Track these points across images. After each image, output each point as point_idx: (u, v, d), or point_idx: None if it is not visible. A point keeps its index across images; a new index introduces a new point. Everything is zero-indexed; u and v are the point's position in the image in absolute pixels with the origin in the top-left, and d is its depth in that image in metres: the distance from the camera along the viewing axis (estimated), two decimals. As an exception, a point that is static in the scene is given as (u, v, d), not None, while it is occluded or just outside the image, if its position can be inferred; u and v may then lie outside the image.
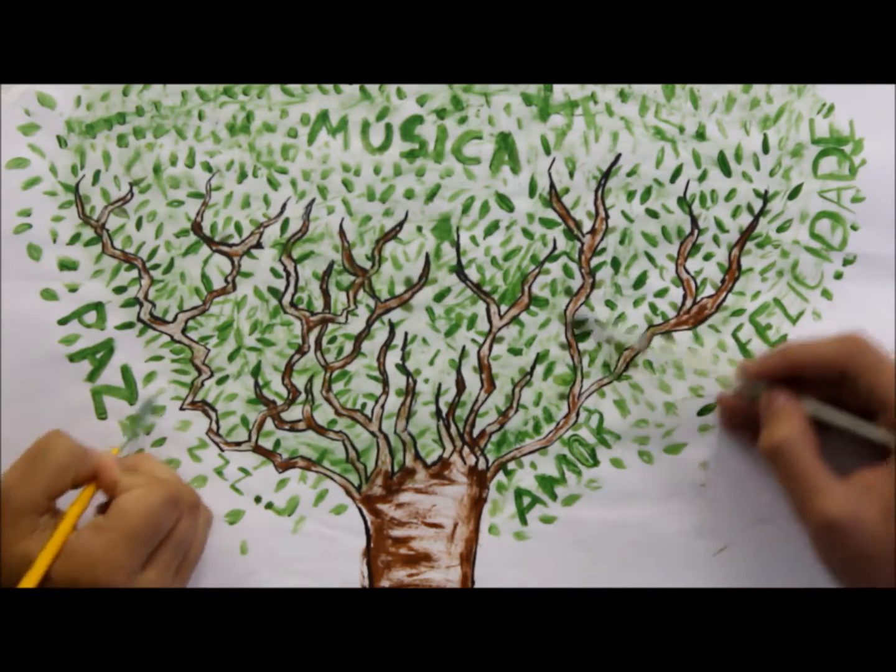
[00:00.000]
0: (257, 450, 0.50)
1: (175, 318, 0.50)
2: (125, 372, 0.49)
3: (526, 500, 0.49)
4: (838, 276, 0.49)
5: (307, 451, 0.49)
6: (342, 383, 0.49)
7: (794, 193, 0.49)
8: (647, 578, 0.48)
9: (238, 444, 0.50)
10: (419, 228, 0.49)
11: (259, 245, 0.49)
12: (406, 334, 0.49)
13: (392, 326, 0.49)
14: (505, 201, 0.49)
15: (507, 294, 0.49)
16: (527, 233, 0.49)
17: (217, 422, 0.49)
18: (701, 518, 0.49)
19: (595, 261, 0.49)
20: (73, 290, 0.49)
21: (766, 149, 0.49)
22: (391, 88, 0.49)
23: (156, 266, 0.49)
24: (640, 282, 0.49)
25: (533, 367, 0.49)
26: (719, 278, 0.49)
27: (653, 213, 0.49)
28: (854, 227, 0.48)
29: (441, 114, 0.49)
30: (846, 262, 0.49)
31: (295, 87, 0.49)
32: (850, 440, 0.44)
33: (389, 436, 0.49)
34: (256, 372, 0.49)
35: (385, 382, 0.49)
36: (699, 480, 0.49)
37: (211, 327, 0.50)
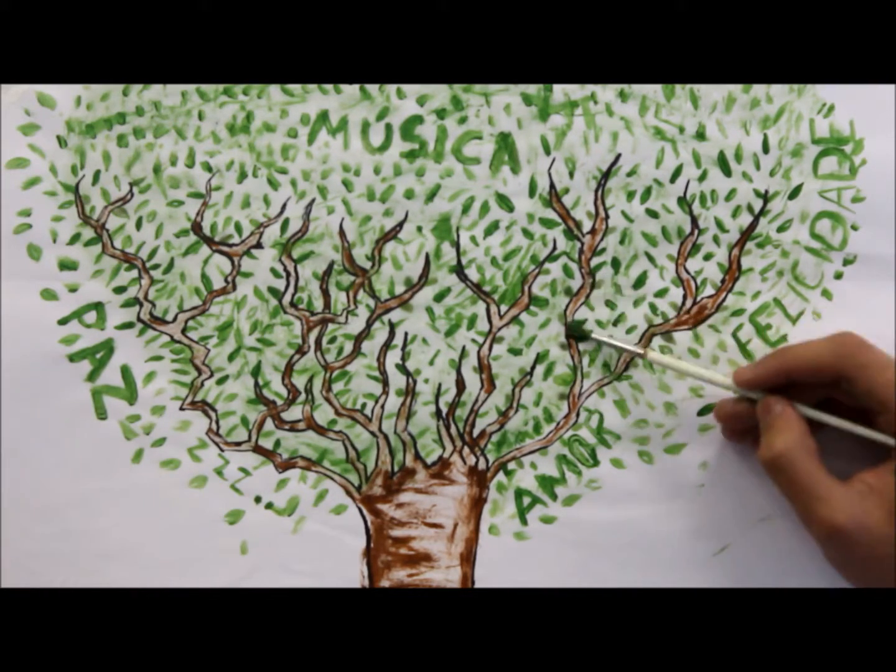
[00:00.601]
0: (257, 450, 0.50)
1: (175, 318, 0.50)
2: (125, 372, 0.49)
3: (526, 500, 0.49)
4: (838, 276, 0.49)
5: (307, 451, 0.49)
6: (342, 383, 0.49)
7: (794, 193, 0.49)
8: (647, 578, 0.48)
9: (238, 444, 0.50)
10: (419, 228, 0.49)
11: (259, 245, 0.49)
12: (406, 334, 0.49)
13: (392, 326, 0.49)
14: (505, 201, 0.49)
15: (507, 294, 0.49)
16: (527, 233, 0.49)
17: (217, 422, 0.49)
18: (701, 518, 0.49)
19: (595, 261, 0.49)
20: (73, 290, 0.49)
21: (766, 149, 0.49)
22: (391, 88, 0.49)
23: (156, 266, 0.50)
24: (640, 282, 0.49)
25: (533, 367, 0.49)
26: (719, 278, 0.49)
27: (653, 213, 0.49)
28: (854, 227, 0.48)
29: (441, 114, 0.49)
30: (846, 262, 0.49)
31: (295, 87, 0.49)
32: (849, 440, 0.44)
33: (389, 436, 0.49)
34: (256, 372, 0.49)
35: (385, 382, 0.49)
36: (699, 480, 0.49)
37: (211, 327, 0.50)
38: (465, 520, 0.49)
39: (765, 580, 0.48)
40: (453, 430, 0.49)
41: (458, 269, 0.49)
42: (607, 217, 0.49)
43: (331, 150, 0.49)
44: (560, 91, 0.49)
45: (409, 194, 0.49)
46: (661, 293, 0.49)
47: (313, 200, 0.49)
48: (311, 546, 0.49)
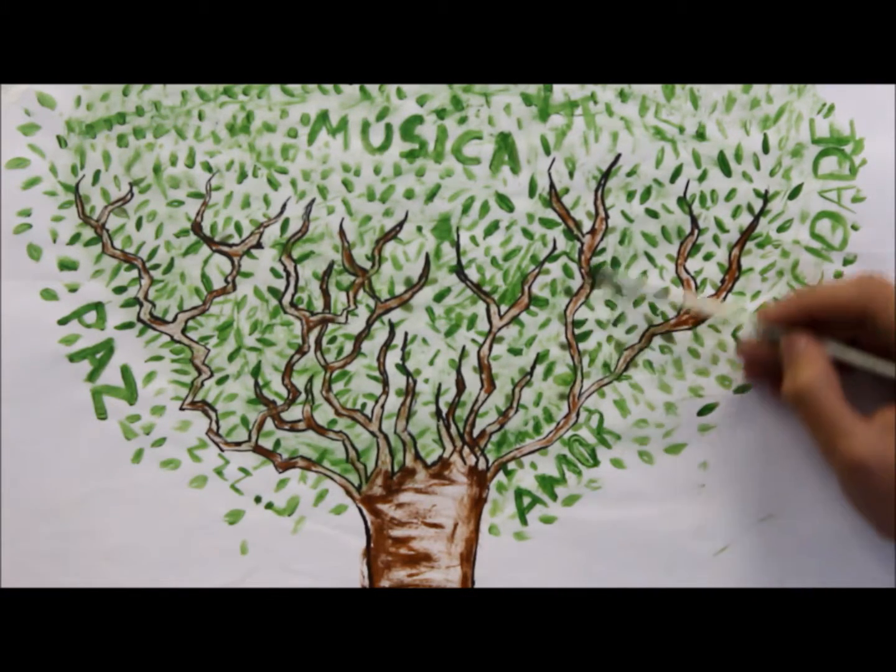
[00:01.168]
0: (257, 450, 0.50)
1: (175, 318, 0.50)
2: (125, 372, 0.49)
3: (526, 500, 0.49)
4: (838, 276, 0.49)
5: (307, 451, 0.49)
6: (342, 383, 0.49)
7: (794, 193, 0.49)
8: (647, 578, 0.48)
9: (238, 444, 0.50)
10: (419, 228, 0.49)
11: (259, 245, 0.49)
12: (406, 334, 0.49)
13: (392, 326, 0.49)
14: (505, 201, 0.49)
15: (507, 294, 0.49)
16: (527, 233, 0.49)
17: (217, 422, 0.49)
18: (701, 518, 0.49)
19: (595, 261, 0.49)
20: (73, 290, 0.49)
21: (766, 149, 0.49)
22: (391, 88, 0.49)
23: (156, 266, 0.50)
24: (639, 286, 0.49)
25: (533, 367, 0.49)
26: (719, 278, 0.49)
27: (653, 213, 0.49)
28: (854, 227, 0.48)
29: (441, 114, 0.49)
30: (846, 262, 0.49)
31: (295, 87, 0.49)
32: (871, 380, 0.44)
33: (389, 436, 0.49)
34: (256, 372, 0.49)
35: (385, 382, 0.49)
36: (699, 480, 0.49)
37: (211, 327, 0.50)
38: (465, 520, 0.49)
39: (765, 580, 0.48)
40: (453, 430, 0.49)
41: (458, 269, 0.49)
42: (607, 217, 0.49)
43: (331, 150, 0.49)
44: (560, 91, 0.49)
45: (409, 194, 0.49)
46: (660, 294, 0.49)
47: (313, 200, 0.49)
48: (311, 546, 0.49)
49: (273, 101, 0.49)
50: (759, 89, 0.49)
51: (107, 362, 0.49)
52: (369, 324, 0.49)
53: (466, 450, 0.49)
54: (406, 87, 0.49)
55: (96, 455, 0.49)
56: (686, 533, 0.49)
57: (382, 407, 0.49)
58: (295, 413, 0.50)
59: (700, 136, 0.49)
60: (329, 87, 0.49)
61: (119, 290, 0.49)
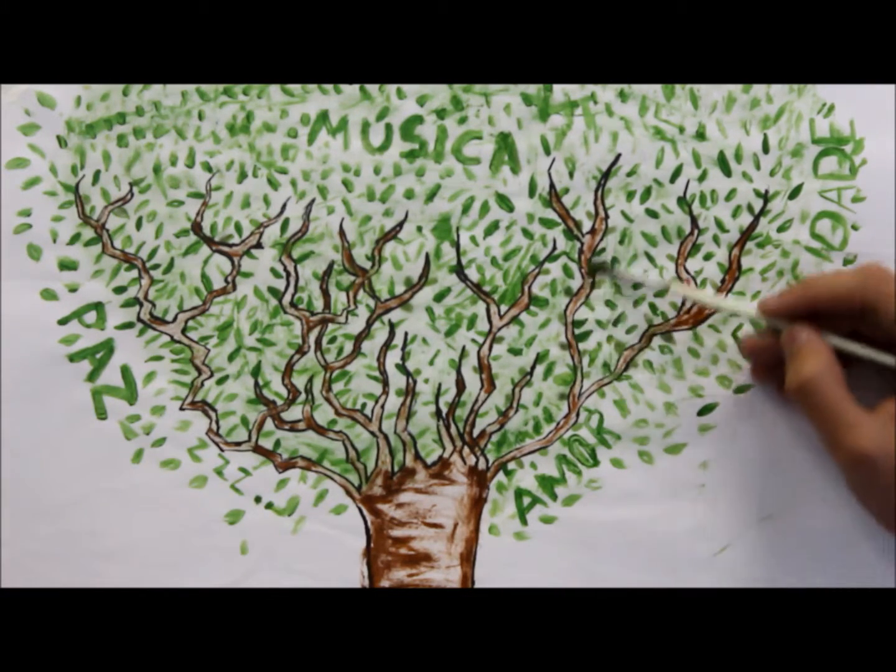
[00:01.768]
0: (257, 450, 0.50)
1: (175, 318, 0.50)
2: (125, 372, 0.49)
3: (526, 500, 0.49)
4: (838, 275, 0.49)
5: (307, 451, 0.49)
6: (342, 383, 0.49)
7: (794, 193, 0.49)
8: (647, 578, 0.48)
9: (238, 444, 0.50)
10: (419, 228, 0.49)
11: (259, 245, 0.49)
12: (406, 334, 0.49)
13: (392, 326, 0.49)
14: (505, 201, 0.49)
15: (507, 294, 0.49)
16: (527, 233, 0.49)
17: (217, 422, 0.49)
18: (701, 518, 0.49)
19: (596, 259, 0.49)
20: (73, 290, 0.49)
21: (766, 149, 0.49)
22: (391, 88, 0.49)
23: (156, 266, 0.50)
24: (640, 282, 0.49)
25: (533, 367, 0.49)
26: (719, 278, 0.49)
27: (653, 213, 0.49)
28: (854, 227, 0.48)
29: (441, 114, 0.49)
30: (846, 262, 0.49)
31: (295, 87, 0.49)
32: (874, 371, 0.44)
33: (389, 436, 0.49)
34: (256, 372, 0.49)
35: (385, 382, 0.49)
36: (699, 480, 0.49)
37: (211, 327, 0.50)
38: (465, 520, 0.49)
39: (765, 580, 0.48)
40: (453, 430, 0.49)
41: (458, 269, 0.49)
42: (607, 217, 0.49)
43: (331, 150, 0.49)
44: (560, 91, 0.49)
45: (409, 194, 0.49)
46: (660, 293, 0.49)
47: (313, 200, 0.49)
48: (311, 546, 0.49)
49: (273, 101, 0.49)
50: (759, 89, 0.49)
51: (107, 362, 0.49)
52: (369, 324, 0.49)
53: (466, 450, 0.49)
54: (406, 87, 0.49)
55: (96, 455, 0.49)
56: (686, 533, 0.49)
57: (382, 407, 0.49)
58: (295, 413, 0.50)
59: (700, 136, 0.49)
60: (329, 87, 0.49)
61: (119, 290, 0.49)
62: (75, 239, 0.49)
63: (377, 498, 0.49)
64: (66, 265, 0.49)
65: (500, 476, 0.49)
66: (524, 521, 0.49)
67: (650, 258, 0.49)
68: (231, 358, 0.49)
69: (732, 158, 0.49)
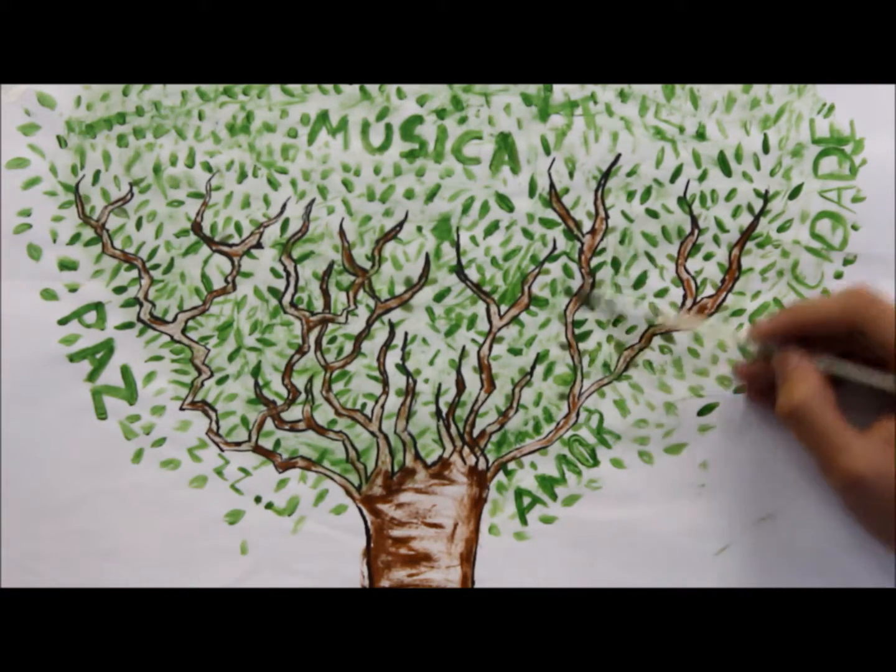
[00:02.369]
0: (257, 450, 0.50)
1: (175, 318, 0.50)
2: (125, 372, 0.49)
3: (526, 500, 0.49)
4: (838, 275, 0.49)
5: (307, 451, 0.49)
6: (342, 383, 0.49)
7: (794, 193, 0.49)
8: (647, 578, 0.48)
9: (238, 444, 0.50)
10: (419, 228, 0.49)
11: (259, 245, 0.49)
12: (406, 334, 0.49)
13: (392, 326, 0.49)
14: (505, 201, 0.49)
15: (507, 294, 0.49)
16: (527, 233, 0.49)
17: (217, 422, 0.49)
18: (701, 518, 0.49)
19: (595, 261, 0.49)
20: (73, 290, 0.49)
21: (766, 149, 0.49)
22: (391, 88, 0.49)
23: (156, 266, 0.50)
24: (640, 282, 0.49)
25: (533, 367, 0.49)
26: (719, 278, 0.49)
27: (653, 213, 0.49)
28: (854, 227, 0.48)
29: (441, 114, 0.49)
30: (846, 262, 0.49)
31: (295, 87, 0.49)
32: (866, 393, 0.44)
33: (389, 436, 0.49)
34: (256, 372, 0.49)
35: (385, 382, 0.49)
36: (699, 480, 0.49)
37: (211, 327, 0.50)
38: (465, 520, 0.49)
39: (765, 580, 0.48)
40: (453, 430, 0.49)
41: (458, 269, 0.49)
42: (607, 217, 0.49)
43: (331, 150, 0.49)
44: (560, 91, 0.49)
45: (409, 194, 0.49)
46: (661, 293, 0.49)
47: (313, 200, 0.49)
48: (311, 546, 0.49)
49: (273, 101, 0.49)
50: (759, 89, 0.49)
51: (107, 362, 0.49)
52: (369, 324, 0.49)
53: (466, 450, 0.49)
54: (406, 87, 0.49)
55: (96, 455, 0.49)
56: (686, 533, 0.49)
57: (382, 407, 0.49)
58: (295, 413, 0.50)
59: (700, 136, 0.49)
60: (329, 87, 0.49)
61: (119, 290, 0.49)
62: (75, 239, 0.49)
63: (377, 498, 0.49)
64: (66, 265, 0.49)
65: (500, 476, 0.49)
66: (524, 521, 0.49)
67: (650, 258, 0.49)
68: (231, 358, 0.49)
69: (732, 158, 0.49)
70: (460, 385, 0.49)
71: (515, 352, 0.49)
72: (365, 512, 0.49)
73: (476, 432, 0.49)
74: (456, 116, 0.49)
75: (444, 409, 0.49)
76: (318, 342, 0.49)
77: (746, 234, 0.49)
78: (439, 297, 0.49)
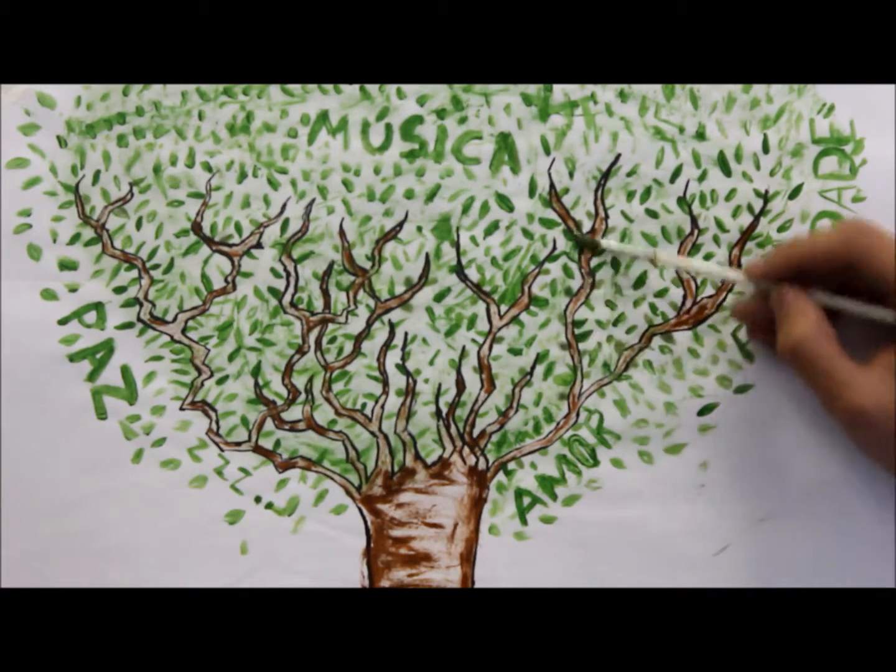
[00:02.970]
0: (257, 450, 0.50)
1: (175, 318, 0.50)
2: (125, 372, 0.49)
3: (526, 500, 0.49)
4: (838, 275, 0.49)
5: (307, 451, 0.50)
6: (342, 383, 0.49)
7: (794, 193, 0.49)
8: (647, 578, 0.48)
9: (238, 444, 0.50)
10: (419, 228, 0.49)
11: (259, 245, 0.49)
12: (406, 334, 0.49)
13: (392, 326, 0.49)
14: (505, 201, 0.49)
15: (507, 294, 0.49)
16: (527, 233, 0.49)
17: (217, 422, 0.49)
18: (701, 518, 0.49)
19: (595, 261, 0.49)
20: (73, 290, 0.49)
21: (766, 149, 0.49)
22: (391, 88, 0.49)
23: (156, 266, 0.50)
24: (640, 282, 0.49)
25: (533, 367, 0.49)
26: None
27: (653, 213, 0.49)
28: (858, 224, 0.48)
29: (441, 114, 0.49)
30: (846, 262, 0.49)
31: (295, 87, 0.49)
32: (864, 327, 0.44)
33: (389, 436, 0.49)
34: (256, 372, 0.49)
35: (385, 382, 0.49)
36: (699, 480, 0.49)
37: (211, 327, 0.50)
38: (465, 520, 0.49)
39: (765, 580, 0.48)
40: (453, 430, 0.49)
41: (458, 269, 0.49)
42: (607, 217, 0.49)
43: (331, 150, 0.49)
44: (560, 91, 0.49)
45: (409, 194, 0.49)
46: (661, 293, 0.49)
47: (313, 200, 0.49)
48: (311, 546, 0.49)
49: (273, 101, 0.49)
50: (759, 89, 0.49)
51: (107, 362, 0.49)
52: (369, 324, 0.49)
53: (466, 450, 0.49)
54: (406, 87, 0.49)
55: (96, 455, 0.49)
56: (686, 533, 0.49)
57: (382, 407, 0.49)
58: (295, 413, 0.50)
59: (700, 136, 0.49)
60: (329, 87, 0.49)
61: (119, 290, 0.49)
62: (75, 239, 0.49)
63: (377, 498, 0.49)
64: (66, 265, 0.49)
65: (500, 476, 0.49)
66: (524, 521, 0.49)
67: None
68: (231, 358, 0.49)
69: (732, 158, 0.49)
70: (460, 385, 0.49)
71: (515, 352, 0.49)
72: (365, 512, 0.49)
73: (476, 432, 0.49)
74: (456, 116, 0.49)
75: (444, 409, 0.49)
76: (318, 342, 0.49)
77: (746, 234, 0.49)
78: (439, 297, 0.49)
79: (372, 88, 0.49)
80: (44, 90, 0.49)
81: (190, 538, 0.49)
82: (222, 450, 0.49)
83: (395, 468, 0.49)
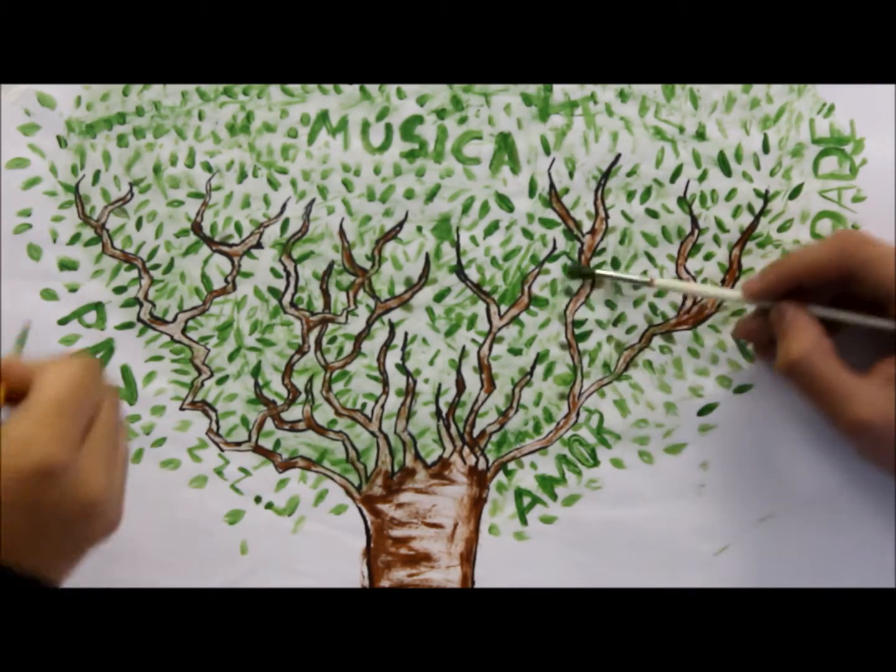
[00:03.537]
0: (257, 450, 0.50)
1: (175, 318, 0.50)
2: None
3: (526, 500, 0.49)
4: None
5: (307, 451, 0.50)
6: (342, 383, 0.49)
7: (794, 193, 0.49)
8: (647, 578, 0.48)
9: (238, 444, 0.50)
10: (419, 228, 0.49)
11: (259, 245, 0.49)
12: (406, 334, 0.49)
13: (392, 326, 0.49)
14: (505, 201, 0.49)
15: (507, 294, 0.49)
16: (527, 233, 0.49)
17: (217, 422, 0.49)
18: (701, 518, 0.49)
19: (595, 261, 0.49)
20: (73, 290, 0.49)
21: (766, 149, 0.49)
22: (391, 88, 0.49)
23: (156, 266, 0.50)
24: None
25: (533, 367, 0.49)
26: (719, 278, 0.49)
27: (653, 213, 0.49)
28: (855, 227, 0.48)
29: (441, 114, 0.49)
30: (846, 262, 0.49)
31: (295, 87, 0.49)
32: (865, 337, 0.44)
33: (389, 436, 0.49)
34: (256, 372, 0.49)
35: (385, 382, 0.49)
36: (699, 480, 0.49)
37: (211, 327, 0.50)
38: (465, 520, 0.49)
39: (765, 580, 0.48)
40: (453, 430, 0.49)
41: (458, 269, 0.49)
42: (607, 217, 0.49)
43: (331, 150, 0.49)
44: (560, 91, 0.49)
45: (409, 194, 0.49)
46: (661, 293, 0.49)
47: (313, 200, 0.49)
48: (311, 546, 0.49)
49: (273, 101, 0.49)
50: (759, 89, 0.49)
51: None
52: (369, 324, 0.49)
53: (466, 450, 0.49)
54: (406, 87, 0.49)
55: (96, 455, 0.49)
56: (686, 533, 0.49)
57: (382, 407, 0.49)
58: (295, 413, 0.50)
59: (700, 136, 0.49)
60: (329, 87, 0.49)
61: (119, 290, 0.49)
62: (75, 239, 0.49)
63: (377, 498, 0.49)
64: (66, 265, 0.49)
65: (500, 476, 0.49)
66: (524, 521, 0.49)
67: (650, 258, 0.49)
68: (231, 358, 0.49)
69: (732, 158, 0.49)
70: (460, 385, 0.49)
71: (515, 352, 0.49)
72: (365, 512, 0.49)
73: (476, 432, 0.49)
74: (456, 116, 0.49)
75: (444, 409, 0.49)
76: (318, 342, 0.49)
77: (746, 234, 0.49)
78: (439, 297, 0.49)
79: (372, 88, 0.49)
80: (44, 90, 0.49)
81: (190, 538, 0.49)
82: (222, 450, 0.49)
83: (395, 468, 0.49)
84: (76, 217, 0.50)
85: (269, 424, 0.50)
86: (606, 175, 0.49)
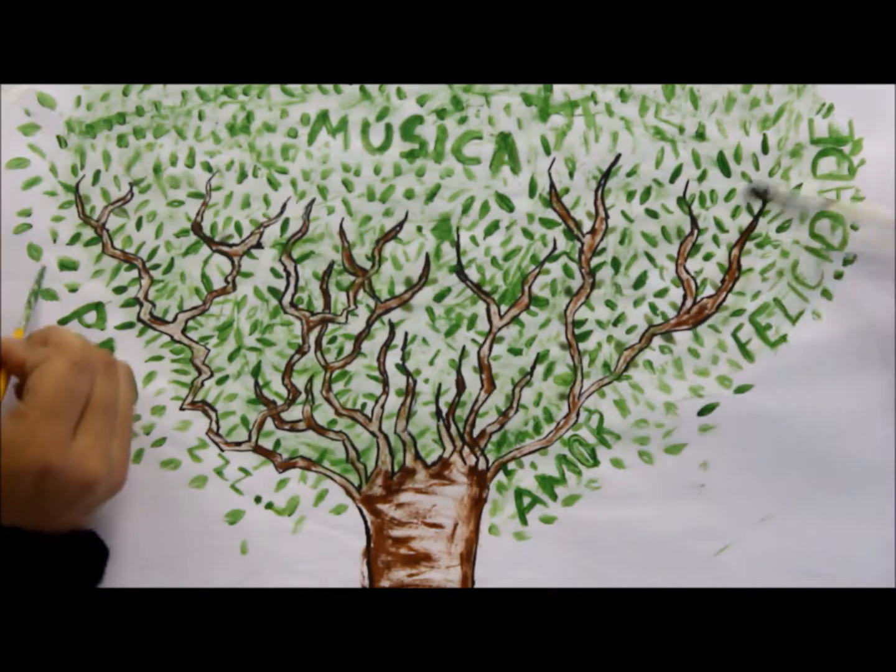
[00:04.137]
0: (257, 450, 0.49)
1: (175, 318, 0.50)
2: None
3: (526, 500, 0.49)
4: (838, 275, 0.49)
5: (307, 451, 0.49)
6: (342, 383, 0.49)
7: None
8: (647, 578, 0.48)
9: (238, 444, 0.49)
10: (419, 228, 0.49)
11: (259, 245, 0.49)
12: (406, 334, 0.49)
13: (392, 326, 0.49)
14: (505, 201, 0.49)
15: (507, 294, 0.49)
16: (527, 233, 0.49)
17: (217, 422, 0.49)
18: (701, 518, 0.49)
19: (595, 261, 0.49)
20: (73, 290, 0.49)
21: (765, 149, 0.49)
22: (391, 88, 0.49)
23: (156, 266, 0.49)
24: (640, 282, 0.49)
25: (533, 367, 0.49)
26: (719, 278, 0.49)
27: (653, 213, 0.49)
28: (854, 227, 0.48)
29: (441, 114, 0.49)
30: (846, 262, 0.49)
31: (295, 87, 0.49)
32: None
33: (389, 436, 0.49)
34: (256, 372, 0.49)
35: (385, 382, 0.49)
36: (699, 480, 0.49)
37: (211, 327, 0.50)
38: (465, 520, 0.49)
39: (765, 580, 0.48)
40: (453, 430, 0.49)
41: (458, 269, 0.49)
42: (607, 217, 0.49)
43: (331, 150, 0.49)
44: (560, 91, 0.49)
45: (409, 194, 0.49)
46: (661, 293, 0.49)
47: (313, 200, 0.49)
48: (311, 546, 0.49)
49: (273, 101, 0.49)
50: (758, 89, 0.49)
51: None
52: (369, 324, 0.49)
53: (466, 450, 0.49)
54: (406, 87, 0.49)
55: (96, 455, 0.49)
56: (686, 533, 0.49)
57: (382, 407, 0.49)
58: (295, 413, 0.50)
59: (700, 136, 0.49)
60: (329, 87, 0.49)
61: (119, 290, 0.49)
62: (75, 239, 0.49)
63: (377, 498, 0.49)
64: (66, 265, 0.49)
65: (500, 476, 0.49)
66: (524, 521, 0.49)
67: (650, 258, 0.49)
68: (231, 358, 0.49)
69: (732, 158, 0.49)
70: (460, 385, 0.49)
71: (515, 352, 0.49)
72: (365, 512, 0.49)
73: (476, 432, 0.49)
74: (456, 116, 0.49)
75: (444, 409, 0.49)
76: (318, 342, 0.49)
77: (746, 234, 0.49)
78: (439, 297, 0.49)
79: (372, 88, 0.49)
80: (44, 90, 0.49)
81: (190, 538, 0.49)
82: (222, 450, 0.49)
83: (395, 468, 0.49)
84: (76, 217, 0.49)
85: (269, 424, 0.50)
86: (606, 175, 0.49)
